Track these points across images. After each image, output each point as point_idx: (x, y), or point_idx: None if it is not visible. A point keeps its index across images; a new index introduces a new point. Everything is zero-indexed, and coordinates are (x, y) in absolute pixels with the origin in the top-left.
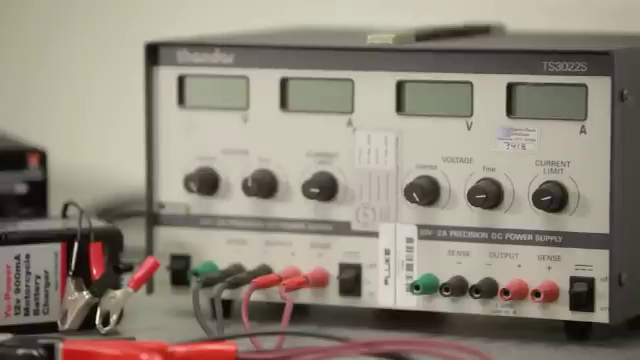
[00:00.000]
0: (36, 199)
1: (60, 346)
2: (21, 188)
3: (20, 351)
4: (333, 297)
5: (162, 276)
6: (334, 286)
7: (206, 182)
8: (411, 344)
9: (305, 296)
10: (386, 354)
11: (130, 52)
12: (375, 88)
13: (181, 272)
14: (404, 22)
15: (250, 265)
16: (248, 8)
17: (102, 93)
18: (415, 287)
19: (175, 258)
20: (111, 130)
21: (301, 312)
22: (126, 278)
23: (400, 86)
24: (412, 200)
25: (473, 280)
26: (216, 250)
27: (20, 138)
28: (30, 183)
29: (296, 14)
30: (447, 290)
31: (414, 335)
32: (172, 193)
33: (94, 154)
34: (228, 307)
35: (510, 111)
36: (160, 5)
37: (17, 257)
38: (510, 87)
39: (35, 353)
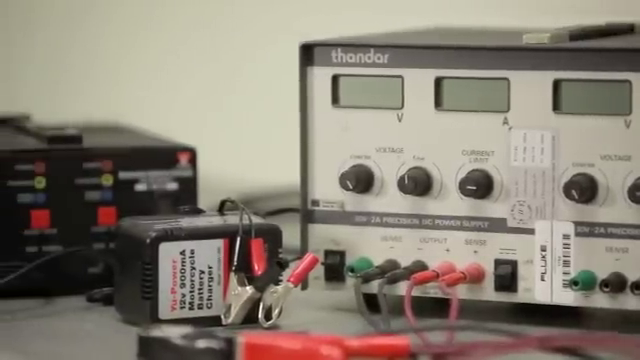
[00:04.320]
0: (186, 196)
1: (241, 339)
2: (172, 186)
3: (200, 344)
4: (489, 293)
5: (314, 272)
6: (489, 282)
7: (362, 180)
8: (587, 340)
9: (460, 292)
10: (561, 349)
11: (281, 53)
12: (531, 87)
13: (335, 268)
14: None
15: (404, 261)
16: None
17: (250, 93)
18: (574, 283)
19: (330, 254)
20: (255, 129)
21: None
22: (283, 273)
23: (557, 85)
24: (571, 198)
25: (632, 277)
26: (370, 246)
27: (170, 138)
28: (180, 181)
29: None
30: (607, 286)
31: (568, 330)
32: (326, 191)
33: (238, 152)
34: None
35: None
36: (316, 3)
37: (182, 252)
38: None
39: (216, 346)
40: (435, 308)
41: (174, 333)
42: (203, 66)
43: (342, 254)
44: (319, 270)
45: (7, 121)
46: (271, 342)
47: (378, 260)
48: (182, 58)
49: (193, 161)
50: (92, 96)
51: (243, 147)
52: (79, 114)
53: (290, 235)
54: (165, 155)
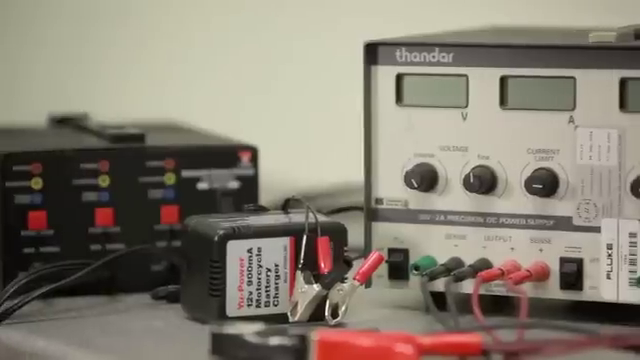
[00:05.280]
0: (247, 195)
1: (315, 337)
2: (234, 184)
3: (274, 341)
4: (554, 291)
5: (378, 270)
6: (555, 280)
7: (426, 178)
8: None
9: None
10: (634, 348)
11: (342, 52)
12: (597, 85)
13: (399, 266)
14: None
15: (468, 259)
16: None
17: (311, 92)
18: None
19: (393, 252)
20: (311, 127)
21: (510, 304)
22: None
23: (623, 83)
24: (638, 196)
25: None
26: (434, 244)
27: (231, 137)
28: (242, 179)
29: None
30: None
31: (636, 328)
32: (390, 189)
33: (293, 151)
34: (444, 300)
35: None
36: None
37: (249, 250)
38: None
39: (289, 343)
40: (496, 306)
41: (247, 330)
42: (261, 65)
43: (406, 252)
44: (383, 268)
45: (67, 120)
46: (344, 339)
47: (442, 258)
48: (238, 57)
49: (254, 160)
50: (145, 96)
51: (298, 145)
52: (135, 114)
53: (352, 233)
54: (227, 154)
